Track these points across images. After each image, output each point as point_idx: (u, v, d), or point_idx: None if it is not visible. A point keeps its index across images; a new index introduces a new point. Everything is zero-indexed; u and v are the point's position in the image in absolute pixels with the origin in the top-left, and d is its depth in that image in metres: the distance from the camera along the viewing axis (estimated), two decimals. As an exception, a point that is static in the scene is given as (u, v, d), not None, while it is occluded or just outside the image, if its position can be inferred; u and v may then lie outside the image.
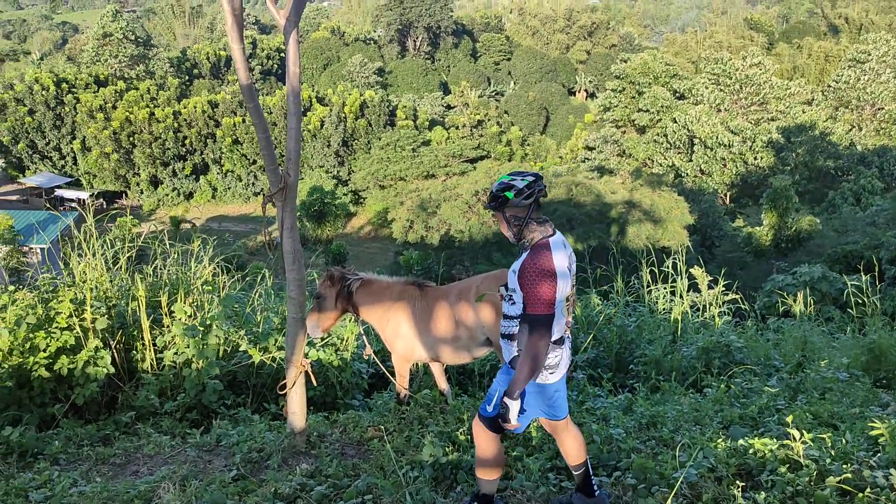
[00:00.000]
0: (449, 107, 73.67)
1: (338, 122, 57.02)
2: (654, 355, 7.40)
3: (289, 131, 4.94)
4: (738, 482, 4.23)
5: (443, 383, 6.03)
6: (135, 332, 6.54)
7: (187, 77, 74.01)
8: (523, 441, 5.16)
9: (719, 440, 4.90)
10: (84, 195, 52.90)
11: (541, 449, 5.02)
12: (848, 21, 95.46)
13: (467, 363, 6.21)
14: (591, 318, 8.32)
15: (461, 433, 5.16)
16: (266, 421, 5.88)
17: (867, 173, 44.02)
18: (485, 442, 4.11)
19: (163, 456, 5.25)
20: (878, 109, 58.31)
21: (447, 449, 4.90)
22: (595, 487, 4.33)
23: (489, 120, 65.44)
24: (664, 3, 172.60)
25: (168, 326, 6.49)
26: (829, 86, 62.36)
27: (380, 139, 55.45)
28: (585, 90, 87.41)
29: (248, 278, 9.39)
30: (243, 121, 56.95)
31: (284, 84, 71.49)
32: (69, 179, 56.84)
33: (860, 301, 9.82)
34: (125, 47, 72.69)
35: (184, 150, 58.51)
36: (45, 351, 5.88)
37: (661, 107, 54.49)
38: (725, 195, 51.14)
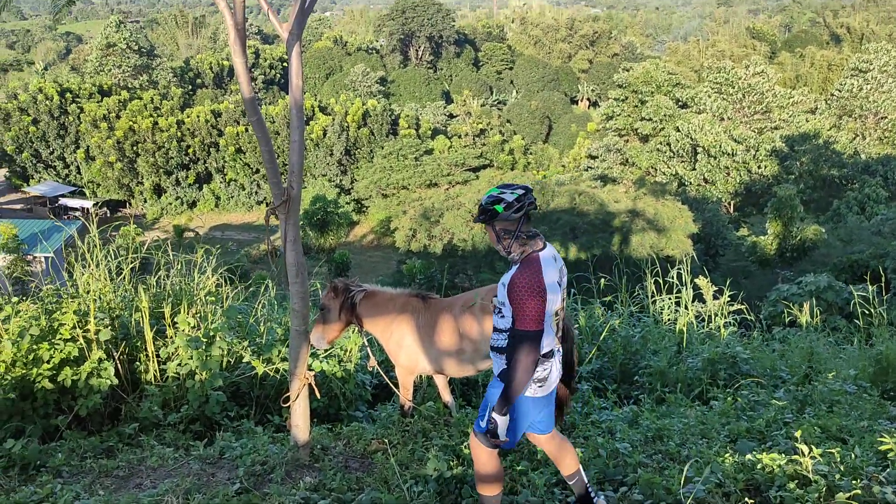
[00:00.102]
0: (451, 116, 73.78)
1: (340, 132, 57.12)
2: (659, 366, 7.35)
3: (291, 144, 4.92)
4: (746, 498, 4.19)
5: (447, 395, 6.00)
6: (138, 343, 6.52)
7: (190, 87, 74.25)
8: (528, 455, 5.12)
9: (727, 455, 4.86)
10: (88, 204, 53.04)
11: (546, 463, 4.98)
12: (850, 30, 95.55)
13: (472, 375, 6.18)
14: (595, 329, 8.28)
15: (465, 447, 5.12)
16: (269, 433, 5.85)
17: (872, 182, 43.95)
18: (483, 457, 4.08)
19: (166, 468, 5.22)
20: (882, 118, 58.29)
21: (451, 463, 4.86)
22: (594, 495, 4.31)
23: (491, 129, 65.51)
24: (666, 12, 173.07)
25: (171, 337, 6.47)
26: (832, 95, 62.37)
27: (382, 148, 55.52)
28: (588, 99, 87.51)
29: (251, 288, 9.37)
30: (246, 130, 57.08)
31: (287, 94, 71.37)
32: (73, 188, 56.97)
33: (866, 311, 9.76)
34: (129, 57, 72.95)
35: (187, 159, 58.65)
36: (48, 362, 5.85)
37: (664, 116, 54.49)
38: (729, 204, 51.08)
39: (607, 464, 4.90)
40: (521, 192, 4.03)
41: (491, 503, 4.14)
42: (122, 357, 6.33)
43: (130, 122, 56.73)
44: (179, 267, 7.59)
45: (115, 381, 6.04)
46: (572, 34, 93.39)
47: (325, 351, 6.72)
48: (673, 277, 9.59)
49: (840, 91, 60.77)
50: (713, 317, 9.30)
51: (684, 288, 9.21)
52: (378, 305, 5.72)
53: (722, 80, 56.74)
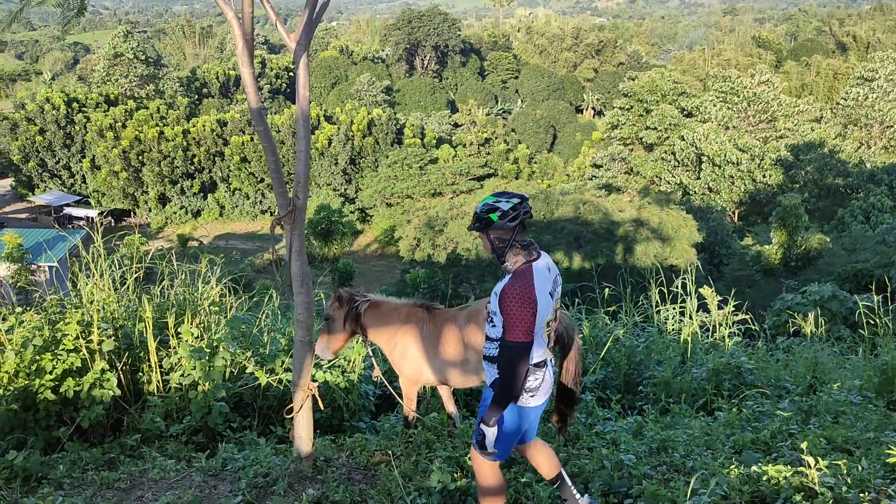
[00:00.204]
0: (456, 125, 73.86)
1: (345, 141, 57.22)
2: (663, 377, 7.32)
3: (298, 154, 4.91)
4: (752, 510, 4.16)
5: (451, 406, 5.97)
6: (141, 354, 6.50)
7: (197, 96, 74.54)
8: (532, 467, 5.08)
9: (732, 466, 4.82)
10: (93, 213, 53.15)
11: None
12: (856, 39, 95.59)
13: (476, 386, 6.15)
14: (599, 339, 8.25)
15: (469, 458, 5.09)
16: (272, 444, 5.83)
17: (877, 191, 43.85)
18: (485, 470, 4.07)
19: (168, 481, 5.19)
20: (887, 127, 58.21)
21: (455, 475, 4.84)
22: (578, 495, 4.29)
23: (496, 138, 65.55)
24: (671, 21, 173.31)
25: (175, 348, 6.46)
26: (838, 103, 62.32)
27: (387, 157, 55.60)
28: (593, 108, 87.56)
29: (255, 298, 9.36)
30: (251, 139, 57.21)
31: (293, 103, 71.97)
32: (78, 198, 57.12)
33: (871, 321, 9.71)
34: (135, 67, 73.31)
35: (192, 168, 58.80)
36: (51, 373, 5.84)
37: (669, 125, 54.47)
38: (734, 213, 51.00)
39: (612, 475, 4.87)
40: (516, 200, 4.01)
41: (495, 516, 4.12)
42: (124, 368, 6.32)
43: (136, 132, 56.92)
44: (183, 277, 7.59)
45: (118, 392, 6.02)
46: (578, 43, 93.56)
47: (329, 361, 6.70)
48: (677, 287, 9.55)
49: (846, 100, 60.71)
50: (717, 327, 9.27)
51: (689, 298, 9.18)
52: (382, 315, 5.70)
53: (727, 89, 56.75)
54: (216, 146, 58.67)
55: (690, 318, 9.00)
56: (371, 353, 6.07)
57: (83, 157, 58.12)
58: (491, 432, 3.86)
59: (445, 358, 5.45)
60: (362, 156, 57.89)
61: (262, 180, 58.20)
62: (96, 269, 7.01)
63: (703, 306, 9.46)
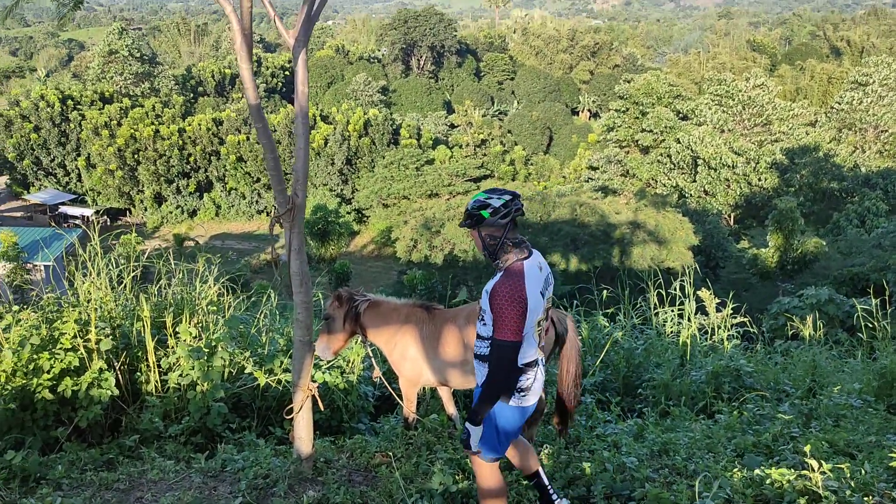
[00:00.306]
0: (452, 126, 73.83)
1: (342, 141, 57.13)
2: (662, 379, 7.30)
3: (297, 151, 4.88)
4: (755, 514, 4.14)
5: (451, 408, 5.95)
6: (139, 354, 6.46)
7: (192, 95, 74.36)
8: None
9: (735, 469, 4.80)
10: (88, 212, 52.97)
11: (553, 478, 4.92)
12: (850, 44, 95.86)
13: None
14: (598, 341, 8.23)
15: (470, 460, 5.06)
16: (271, 445, 5.79)
17: (872, 195, 43.97)
18: (485, 471, 4.05)
19: (167, 482, 5.15)
20: (882, 132, 58.39)
21: (457, 477, 4.81)
22: (553, 495, 4.29)
23: (492, 139, 65.54)
24: (667, 24, 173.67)
25: (173, 348, 6.41)
26: (832, 108, 62.49)
27: (383, 158, 55.53)
28: (589, 110, 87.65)
29: (252, 298, 9.31)
30: (247, 138, 57.08)
31: (289, 102, 71.80)
32: (73, 196, 56.93)
33: (870, 325, 9.70)
34: (130, 65, 73.04)
35: (188, 167, 58.64)
36: (48, 372, 5.79)
37: (665, 127, 54.51)
38: (729, 216, 51.07)
39: (614, 478, 4.85)
40: (508, 197, 3.99)
41: (497, 518, 4.10)
42: (122, 367, 6.27)
43: (132, 130, 56.75)
44: (181, 276, 7.54)
45: (116, 392, 5.98)
46: (574, 45, 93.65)
47: (328, 362, 6.67)
48: (675, 289, 9.53)
49: (840, 104, 60.89)
50: (716, 329, 9.25)
51: (687, 300, 9.16)
52: (382, 315, 5.68)
53: (722, 93, 56.84)
54: (212, 145, 58.52)
55: (689, 320, 8.98)
56: (371, 354, 6.04)
57: (78, 155, 57.93)
58: (476, 431, 3.84)
59: (445, 358, 5.42)
60: (359, 156, 57.81)
61: (259, 180, 58.09)
62: (93, 268, 6.96)
63: (700, 309, 9.44)
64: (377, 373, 5.87)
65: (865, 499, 4.11)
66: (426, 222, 36.70)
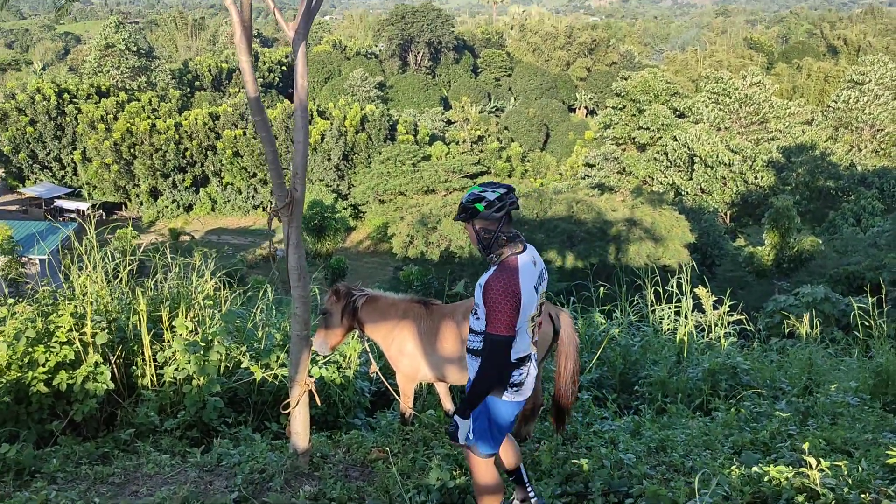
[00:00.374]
0: (449, 122, 73.77)
1: (338, 136, 57.04)
2: (659, 376, 7.30)
3: (295, 145, 4.85)
4: (753, 511, 4.13)
5: (448, 403, 5.93)
6: (135, 347, 6.44)
7: (189, 89, 74.13)
8: (532, 466, 5.05)
9: (732, 467, 4.80)
10: (84, 206, 52.81)
11: (550, 474, 4.92)
12: (847, 42, 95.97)
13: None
14: (594, 338, 8.23)
15: (466, 457, 5.05)
16: (267, 440, 5.77)
17: (867, 194, 44.08)
18: (480, 468, 4.04)
19: (163, 476, 5.14)
20: (878, 131, 58.51)
21: (454, 473, 4.80)
22: (532, 493, 4.30)
23: (489, 136, 65.52)
24: (664, 21, 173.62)
25: (169, 342, 6.39)
26: (829, 106, 62.60)
27: (380, 153, 55.45)
28: (586, 107, 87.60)
29: (248, 293, 9.29)
30: (244, 133, 56.95)
31: (286, 97, 71.63)
32: (69, 190, 56.75)
33: (865, 323, 9.71)
34: (127, 58, 72.76)
35: (184, 161, 58.49)
36: (44, 366, 5.77)
37: (662, 125, 54.56)
38: (726, 214, 51.13)
39: (612, 475, 4.84)
40: (503, 191, 3.97)
41: (494, 515, 4.09)
42: (118, 361, 6.25)
43: (128, 124, 56.56)
44: (177, 270, 7.52)
45: (111, 386, 5.96)
46: (571, 42, 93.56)
47: (325, 357, 6.65)
48: (672, 286, 9.54)
49: (836, 103, 61.00)
50: (713, 327, 9.26)
51: (684, 297, 9.16)
52: (380, 310, 5.66)
53: (719, 91, 56.88)
54: (208, 140, 58.37)
55: (685, 317, 8.99)
56: (368, 349, 6.02)
57: (74, 148, 57.73)
58: (464, 424, 3.84)
59: (443, 354, 5.41)
60: (355, 152, 57.73)
61: (255, 175, 57.97)
62: (89, 262, 6.93)
63: (697, 306, 9.44)
64: (374, 367, 5.85)
65: (862, 496, 4.11)
66: (422, 218, 36.71)
